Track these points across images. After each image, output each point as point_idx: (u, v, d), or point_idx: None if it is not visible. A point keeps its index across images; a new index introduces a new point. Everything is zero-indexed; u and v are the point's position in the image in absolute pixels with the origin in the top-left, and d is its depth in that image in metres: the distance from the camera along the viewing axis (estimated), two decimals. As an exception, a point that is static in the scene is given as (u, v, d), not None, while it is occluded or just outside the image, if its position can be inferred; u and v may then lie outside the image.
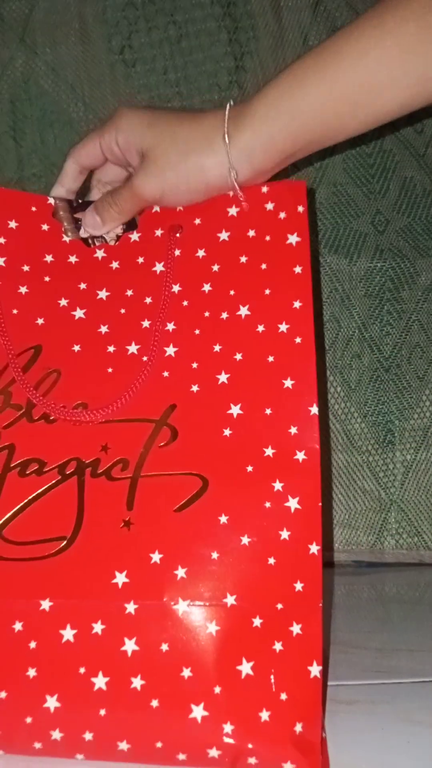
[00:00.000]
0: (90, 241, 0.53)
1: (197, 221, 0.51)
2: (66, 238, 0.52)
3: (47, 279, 0.51)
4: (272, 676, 0.41)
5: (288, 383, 0.46)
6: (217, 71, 0.78)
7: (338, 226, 0.74)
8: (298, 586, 0.42)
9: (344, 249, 0.74)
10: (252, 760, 0.40)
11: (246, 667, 0.41)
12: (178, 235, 0.51)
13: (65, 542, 0.42)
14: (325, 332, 0.72)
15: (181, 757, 0.40)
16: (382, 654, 0.57)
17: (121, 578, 0.41)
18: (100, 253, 0.52)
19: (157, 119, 0.50)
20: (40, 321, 0.49)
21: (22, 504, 0.44)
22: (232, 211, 0.51)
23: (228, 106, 0.49)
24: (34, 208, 0.53)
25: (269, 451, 0.45)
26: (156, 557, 0.42)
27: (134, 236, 0.52)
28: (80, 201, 0.54)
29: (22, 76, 0.78)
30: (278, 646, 0.41)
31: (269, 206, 0.50)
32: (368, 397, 0.72)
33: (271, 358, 0.47)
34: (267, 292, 0.48)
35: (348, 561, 0.75)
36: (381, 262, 0.73)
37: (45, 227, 0.52)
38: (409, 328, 0.73)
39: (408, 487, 0.72)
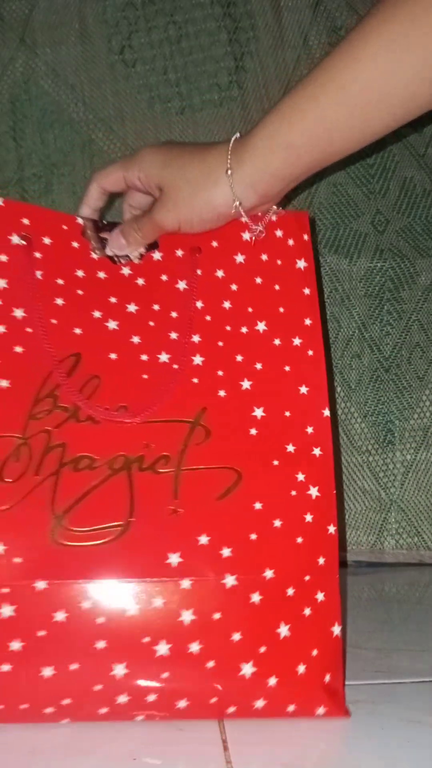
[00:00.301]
0: (116, 258, 0.58)
1: (214, 243, 0.58)
2: (94, 256, 0.58)
3: (80, 292, 0.56)
4: (305, 636, 0.48)
5: (303, 390, 0.54)
6: (217, 71, 0.81)
7: (338, 226, 0.78)
8: (321, 560, 0.50)
9: (344, 249, 0.77)
10: (291, 708, 0.48)
11: (284, 630, 0.48)
12: (198, 256, 0.57)
13: (121, 529, 0.48)
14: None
15: (231, 710, 0.47)
16: (382, 654, 0.60)
17: (174, 558, 0.48)
18: (126, 270, 0.58)
19: (171, 159, 0.56)
20: (77, 331, 0.55)
21: (78, 496, 0.49)
22: (246, 236, 0.58)
23: (233, 139, 0.56)
24: (65, 227, 0.58)
25: (291, 448, 0.52)
26: (203, 539, 0.49)
27: (156, 255, 0.58)
28: (105, 222, 0.59)
29: (23, 76, 0.80)
30: (308, 611, 0.49)
31: (278, 233, 0.58)
32: (368, 397, 0.75)
33: (287, 368, 0.54)
34: (281, 310, 0.56)
35: (348, 561, 0.78)
36: (381, 262, 0.77)
37: (75, 245, 0.58)
38: (409, 328, 0.76)
39: (408, 487, 0.75)
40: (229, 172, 0.54)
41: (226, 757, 0.44)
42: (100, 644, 0.46)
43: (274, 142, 0.54)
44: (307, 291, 0.56)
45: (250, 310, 0.56)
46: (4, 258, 0.54)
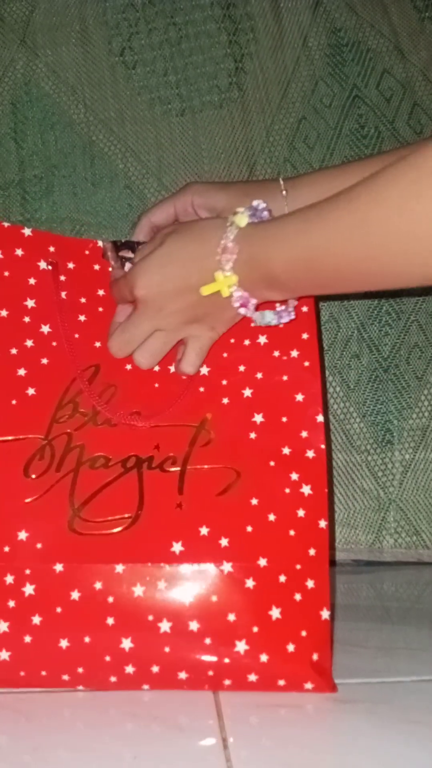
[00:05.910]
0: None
1: (222, 263, 0.65)
2: (115, 273, 0.66)
3: (101, 309, 0.64)
4: (294, 619, 0.55)
5: (299, 397, 0.61)
6: (217, 73, 0.84)
7: (338, 227, 0.82)
8: (312, 551, 0.57)
9: (344, 249, 0.81)
10: (281, 682, 0.55)
11: (275, 612, 0.55)
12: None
13: (130, 520, 0.56)
14: (324, 332, 0.79)
15: (227, 682, 0.55)
16: (382, 653, 0.62)
17: (177, 547, 0.56)
18: (142, 288, 0.66)
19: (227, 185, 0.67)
20: (97, 344, 0.63)
21: (94, 491, 0.57)
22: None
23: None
24: (86, 252, 0.66)
25: (286, 450, 0.59)
26: (204, 531, 0.56)
27: (170, 274, 0.66)
28: (123, 241, 0.68)
29: (23, 77, 0.83)
30: (298, 596, 0.56)
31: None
32: (367, 397, 0.79)
33: (285, 377, 0.62)
34: (280, 325, 0.63)
35: (347, 560, 0.81)
36: (381, 262, 0.81)
37: (96, 267, 0.66)
38: (407, 329, 0.79)
39: (407, 486, 0.78)
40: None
41: (226, 757, 0.46)
42: (110, 620, 0.54)
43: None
44: (305, 309, 0.63)
45: (252, 324, 0.63)
46: (32, 281, 0.63)
